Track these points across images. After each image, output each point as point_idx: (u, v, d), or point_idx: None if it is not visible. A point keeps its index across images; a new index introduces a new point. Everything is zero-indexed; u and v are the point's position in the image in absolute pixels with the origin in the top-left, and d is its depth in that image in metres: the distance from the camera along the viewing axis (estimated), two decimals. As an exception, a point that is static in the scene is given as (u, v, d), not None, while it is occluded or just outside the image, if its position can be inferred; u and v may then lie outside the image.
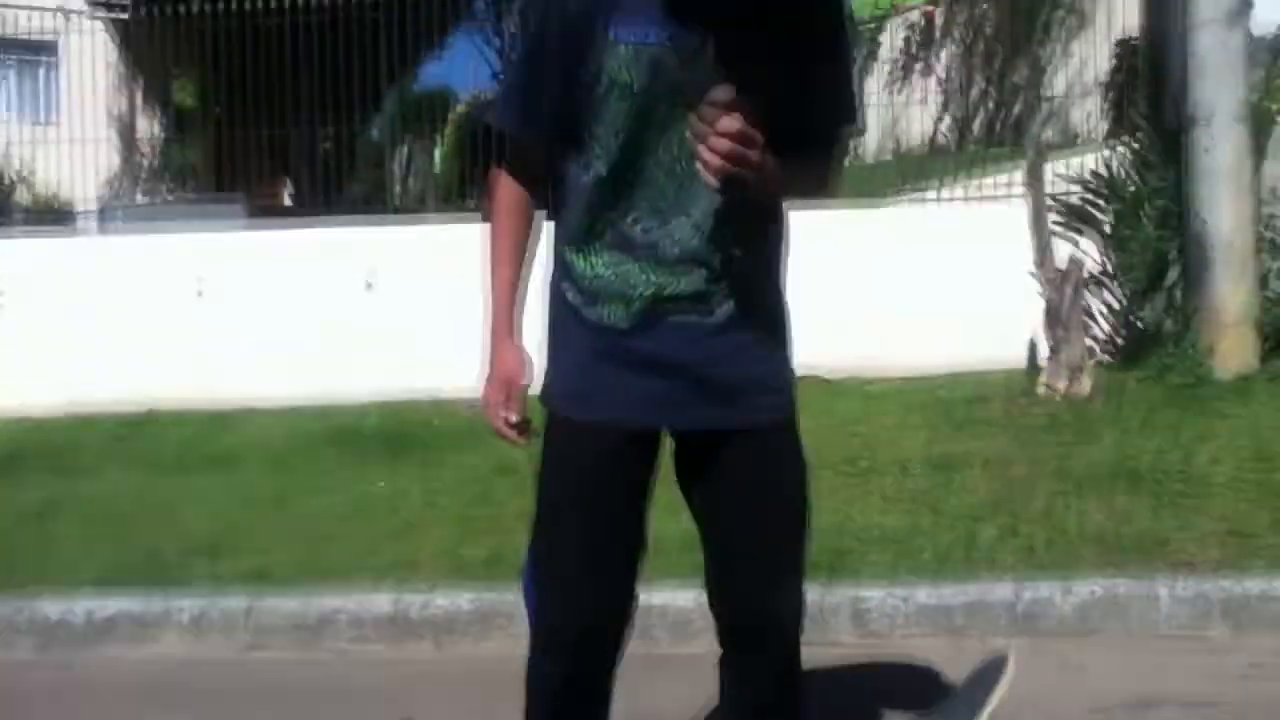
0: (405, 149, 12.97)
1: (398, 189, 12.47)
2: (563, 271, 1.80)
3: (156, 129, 13.04)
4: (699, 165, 1.53)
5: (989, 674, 2.38)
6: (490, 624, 3.68)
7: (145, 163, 12.72)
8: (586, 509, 1.79)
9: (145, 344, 7.25)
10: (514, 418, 1.80)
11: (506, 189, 1.83)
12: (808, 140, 1.73)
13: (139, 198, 11.48)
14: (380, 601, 3.83)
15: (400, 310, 7.24)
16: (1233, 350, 5.95)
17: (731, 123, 1.47)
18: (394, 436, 6.01)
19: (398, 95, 13.00)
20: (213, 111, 12.01)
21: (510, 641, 3.14)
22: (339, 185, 11.21)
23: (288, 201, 11.28)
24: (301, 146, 11.07)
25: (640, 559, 1.86)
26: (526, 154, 1.82)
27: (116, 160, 12.07)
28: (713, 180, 1.53)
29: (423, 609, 3.78)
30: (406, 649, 3.72)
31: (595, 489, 1.78)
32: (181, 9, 9.50)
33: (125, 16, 12.05)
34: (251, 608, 3.86)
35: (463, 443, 5.39)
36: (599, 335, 1.75)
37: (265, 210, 9.61)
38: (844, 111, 1.81)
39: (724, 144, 1.48)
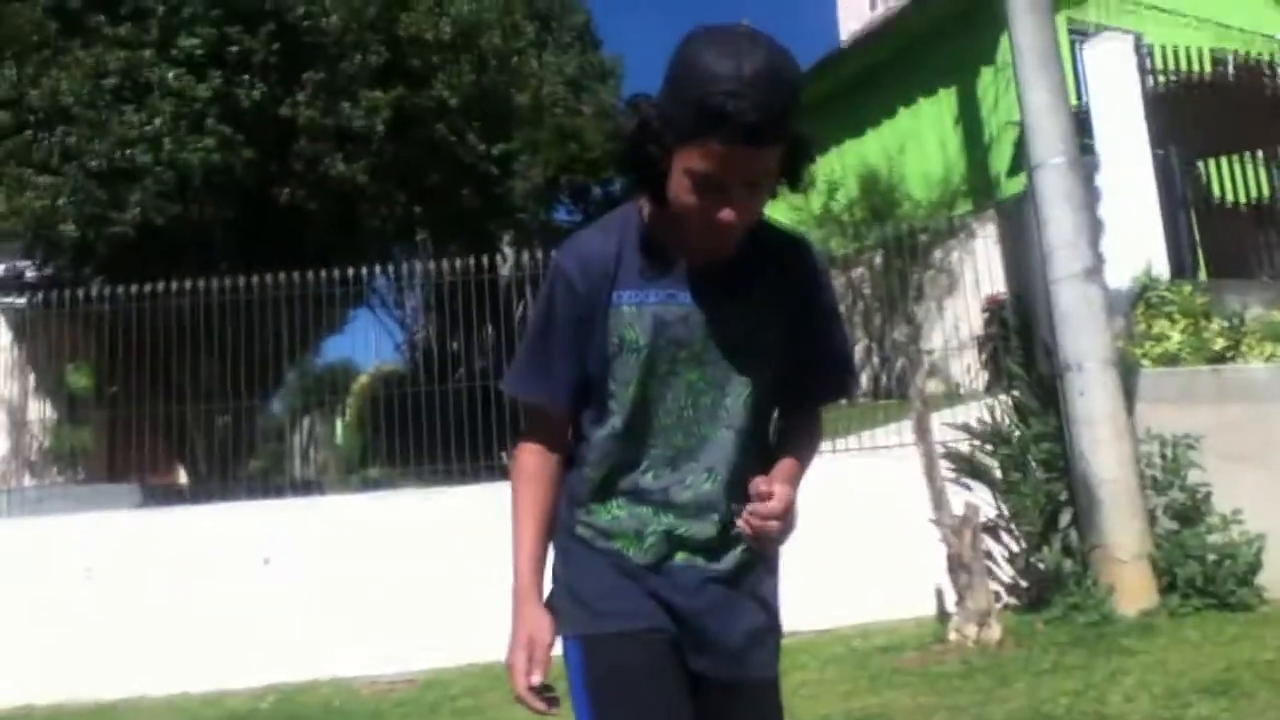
0: (307, 422, 12.93)
1: (298, 462, 12.32)
2: (575, 515, 1.84)
3: (49, 411, 12.81)
4: (746, 537, 1.71)
5: None
6: None
7: (36, 444, 12.44)
8: (656, 708, 1.72)
9: (30, 632, 6.88)
10: (537, 680, 1.75)
11: (530, 456, 1.87)
12: (809, 405, 1.90)
13: (28, 481, 11.12)
14: None
15: (298, 588, 7.02)
16: (1132, 588, 6.06)
17: (773, 507, 1.66)
18: (291, 722, 5.69)
19: (299, 370, 13.06)
20: (107, 393, 11.84)
21: None
22: (236, 463, 11.02)
23: (183, 480, 11.04)
24: (198, 425, 10.92)
25: None
26: (547, 422, 1.86)
27: (6, 444, 11.80)
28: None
29: None
30: None
31: (658, 692, 1.73)
32: (80, 293, 9.53)
33: (21, 302, 12.05)
34: None
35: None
36: (617, 560, 1.79)
37: (160, 492, 9.36)
38: (845, 380, 1.93)
39: (772, 525, 1.66)
